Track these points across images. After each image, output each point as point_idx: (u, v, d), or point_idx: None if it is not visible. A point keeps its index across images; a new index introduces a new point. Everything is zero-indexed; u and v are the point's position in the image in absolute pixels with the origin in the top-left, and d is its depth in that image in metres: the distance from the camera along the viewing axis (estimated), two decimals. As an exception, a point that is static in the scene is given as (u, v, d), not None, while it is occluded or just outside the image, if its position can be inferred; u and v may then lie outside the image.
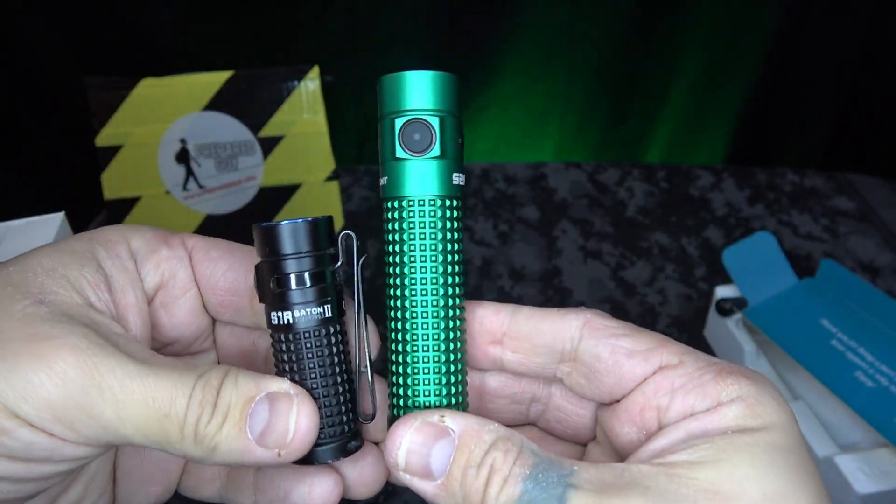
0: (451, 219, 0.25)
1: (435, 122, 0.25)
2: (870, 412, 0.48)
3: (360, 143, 0.83)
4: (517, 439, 0.23)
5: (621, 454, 0.26)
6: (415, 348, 0.25)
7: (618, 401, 0.26)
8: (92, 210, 0.73)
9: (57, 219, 0.44)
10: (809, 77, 0.86)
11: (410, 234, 0.25)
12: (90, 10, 0.72)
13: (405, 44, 0.78)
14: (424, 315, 0.25)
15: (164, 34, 0.76)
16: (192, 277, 0.27)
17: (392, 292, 0.25)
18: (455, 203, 0.25)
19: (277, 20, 0.77)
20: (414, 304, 0.25)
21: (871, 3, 0.80)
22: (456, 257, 0.25)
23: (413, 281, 0.25)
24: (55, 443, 0.21)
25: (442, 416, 0.24)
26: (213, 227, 0.71)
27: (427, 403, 0.25)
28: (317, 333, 0.25)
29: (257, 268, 0.25)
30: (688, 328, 0.64)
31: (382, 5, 0.76)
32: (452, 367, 0.26)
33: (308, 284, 0.25)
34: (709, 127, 0.92)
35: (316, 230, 0.25)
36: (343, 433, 0.26)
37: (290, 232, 0.25)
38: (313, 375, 0.25)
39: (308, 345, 0.25)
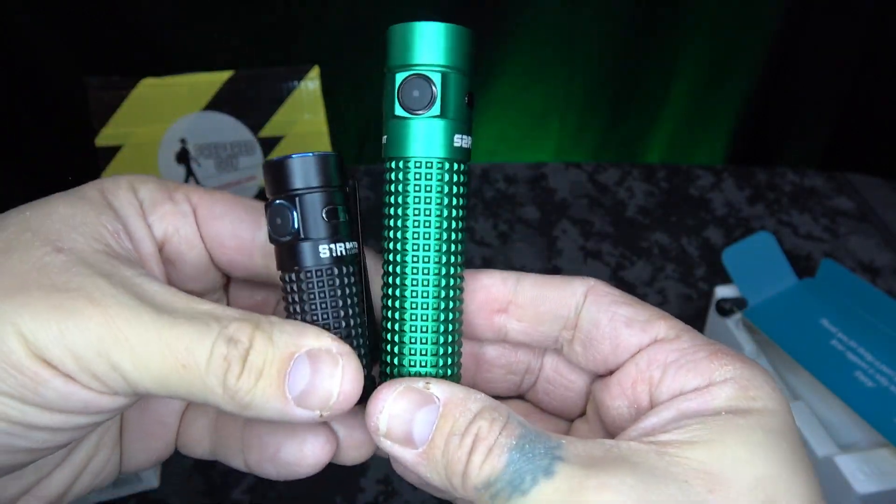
0: (452, 183, 0.24)
1: (436, 78, 0.23)
2: (870, 412, 0.48)
3: (360, 143, 0.83)
4: (504, 410, 0.22)
5: (610, 430, 0.26)
6: (411, 317, 0.24)
7: (611, 372, 0.26)
8: (92, 210, 0.73)
9: (57, 219, 0.44)
10: (809, 77, 0.86)
11: (405, 196, 0.24)
12: (90, 10, 0.72)
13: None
14: (415, 283, 0.24)
15: (164, 34, 0.76)
16: (198, 234, 0.27)
17: (388, 257, 0.24)
18: (457, 167, 0.24)
19: (277, 20, 0.76)
20: (406, 270, 0.24)
21: (871, 3, 0.80)
22: (455, 224, 0.24)
23: (407, 246, 0.24)
24: (90, 394, 0.21)
25: (427, 384, 0.23)
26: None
27: (418, 374, 0.24)
28: (336, 272, 0.24)
29: (278, 206, 0.24)
30: (688, 328, 0.64)
31: (382, 5, 0.76)
32: (447, 338, 0.24)
33: (335, 219, 0.24)
34: (709, 127, 0.92)
35: (337, 164, 0.24)
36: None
37: (319, 163, 0.23)
38: (335, 315, 0.24)
39: (332, 282, 0.24)
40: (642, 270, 0.71)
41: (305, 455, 0.25)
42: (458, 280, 0.25)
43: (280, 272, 0.24)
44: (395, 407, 0.23)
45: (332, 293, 0.24)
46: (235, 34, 0.77)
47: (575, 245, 0.74)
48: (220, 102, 0.69)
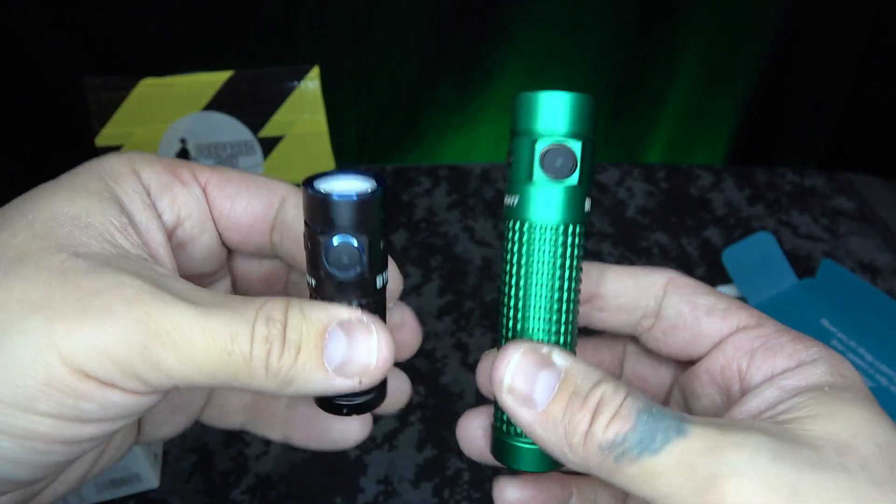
0: (575, 245, 0.25)
1: (577, 148, 0.24)
2: (870, 412, 0.48)
3: (360, 142, 0.83)
4: (624, 383, 0.22)
5: None
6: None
7: (694, 361, 0.26)
8: (92, 210, 0.73)
9: (57, 219, 0.44)
10: (809, 77, 0.86)
11: (540, 254, 0.25)
12: (90, 10, 0.72)
13: (405, 44, 0.78)
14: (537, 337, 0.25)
15: (164, 34, 0.76)
16: (209, 216, 0.26)
17: (505, 312, 0.25)
18: (580, 229, 0.25)
19: (277, 20, 0.76)
20: (528, 327, 0.25)
21: (872, 2, 0.80)
22: (575, 284, 0.25)
23: (530, 301, 0.25)
24: (129, 398, 0.20)
25: (550, 350, 0.23)
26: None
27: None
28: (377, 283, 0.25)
29: (346, 245, 0.23)
30: (688, 328, 0.64)
31: (382, 5, 0.76)
32: None
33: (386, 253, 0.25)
34: (709, 127, 0.92)
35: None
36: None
37: (382, 201, 0.24)
38: None
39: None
40: (642, 270, 0.71)
41: (352, 431, 0.28)
42: (574, 326, 0.26)
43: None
44: (520, 363, 0.23)
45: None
46: (235, 34, 0.77)
47: (575, 245, 0.74)
48: (220, 102, 0.69)
